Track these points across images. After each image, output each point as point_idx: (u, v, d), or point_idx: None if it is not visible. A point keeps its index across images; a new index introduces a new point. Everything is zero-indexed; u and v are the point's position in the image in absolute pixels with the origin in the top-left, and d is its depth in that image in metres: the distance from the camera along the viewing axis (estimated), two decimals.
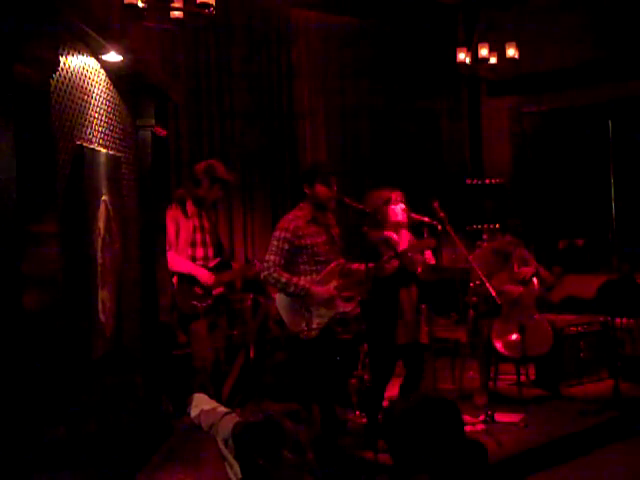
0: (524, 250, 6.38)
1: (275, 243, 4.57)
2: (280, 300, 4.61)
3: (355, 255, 4.85)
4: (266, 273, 4.54)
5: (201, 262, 5.01)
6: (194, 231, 5.02)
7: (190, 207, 5.04)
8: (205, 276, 4.93)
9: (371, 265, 4.55)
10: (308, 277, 4.56)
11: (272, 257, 4.53)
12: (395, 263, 4.73)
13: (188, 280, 4.88)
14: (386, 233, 4.82)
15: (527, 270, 5.87)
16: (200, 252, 5.03)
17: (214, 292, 4.99)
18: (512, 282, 5.76)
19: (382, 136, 8.25)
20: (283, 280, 4.50)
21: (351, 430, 5.02)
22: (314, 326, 4.49)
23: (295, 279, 4.51)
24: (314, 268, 4.60)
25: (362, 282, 4.73)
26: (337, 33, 7.88)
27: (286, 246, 4.54)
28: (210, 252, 5.09)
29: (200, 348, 4.86)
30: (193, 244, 5.01)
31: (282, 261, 4.52)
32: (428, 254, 4.98)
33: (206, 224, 5.12)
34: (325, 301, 4.52)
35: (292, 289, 4.49)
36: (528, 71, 7.97)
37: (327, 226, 4.73)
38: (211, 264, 5.05)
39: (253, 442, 2.26)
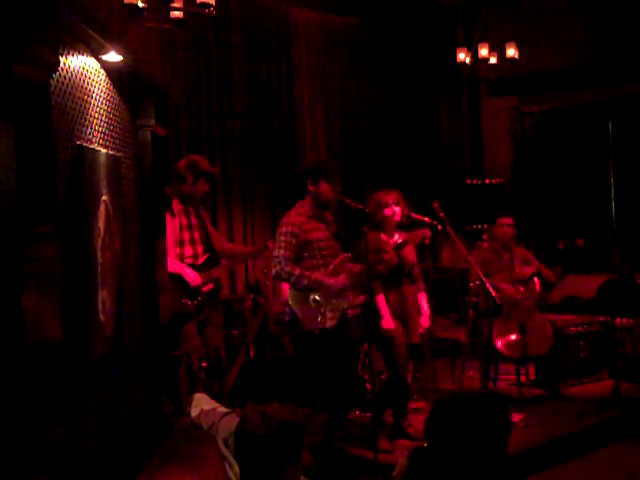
0: (525, 250, 6.38)
1: (283, 238, 4.57)
2: (292, 297, 4.61)
3: (354, 254, 4.86)
4: (278, 268, 4.54)
5: (190, 260, 4.97)
6: (181, 230, 4.98)
7: (176, 205, 5.01)
8: (191, 276, 4.90)
9: (363, 267, 4.59)
10: (317, 271, 4.58)
11: (282, 252, 4.54)
12: (394, 261, 4.75)
13: (177, 279, 4.86)
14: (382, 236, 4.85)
15: (527, 270, 5.86)
16: (189, 250, 5.00)
17: (204, 289, 4.97)
18: (513, 282, 5.75)
19: (382, 136, 8.25)
20: (296, 273, 4.50)
21: (351, 430, 5.02)
22: (329, 322, 4.50)
23: (307, 272, 4.52)
24: (321, 262, 4.62)
25: (362, 282, 4.76)
26: (337, 33, 7.88)
27: (294, 240, 4.55)
28: (199, 249, 5.04)
29: (192, 350, 4.84)
30: (181, 243, 4.97)
31: (292, 255, 4.53)
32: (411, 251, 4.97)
33: (194, 221, 5.07)
34: (338, 293, 4.53)
35: (305, 282, 4.50)
36: (528, 71, 7.97)
37: (327, 222, 4.75)
38: (200, 261, 5.02)
39: (261, 454, 2.26)
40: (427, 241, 4.93)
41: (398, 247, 4.83)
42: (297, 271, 4.50)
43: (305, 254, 4.59)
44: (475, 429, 2.17)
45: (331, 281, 4.54)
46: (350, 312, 5.03)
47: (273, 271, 4.60)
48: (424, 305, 5.01)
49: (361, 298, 4.77)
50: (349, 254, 4.73)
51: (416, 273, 5.03)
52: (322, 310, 4.50)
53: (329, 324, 4.49)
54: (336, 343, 4.56)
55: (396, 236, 4.97)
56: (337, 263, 4.62)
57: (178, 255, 4.93)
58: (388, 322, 4.73)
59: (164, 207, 4.71)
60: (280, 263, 4.52)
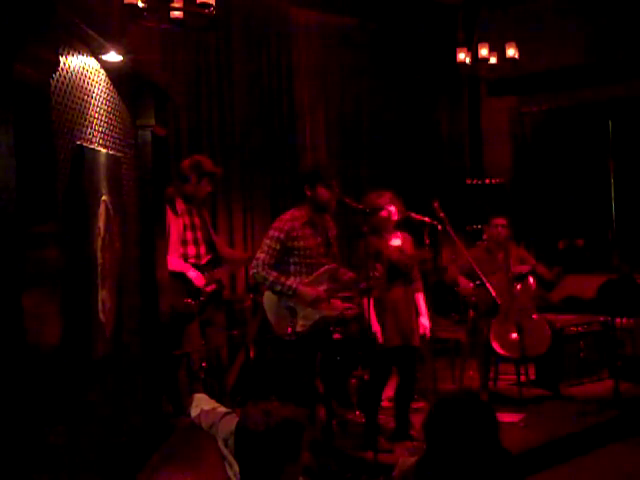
0: (523, 250, 6.37)
1: (267, 242, 4.57)
2: (267, 300, 4.61)
3: (353, 255, 4.86)
4: (254, 271, 4.56)
5: (193, 260, 4.98)
6: (184, 229, 4.99)
7: (180, 205, 5.02)
8: (195, 276, 4.90)
9: (354, 275, 4.59)
10: (298, 278, 4.55)
11: (262, 255, 4.54)
12: (383, 279, 4.76)
13: (181, 278, 4.86)
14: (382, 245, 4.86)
15: (522, 268, 5.86)
16: (192, 250, 5.01)
17: (207, 289, 4.98)
18: (508, 281, 5.75)
19: (382, 136, 8.24)
20: (271, 278, 4.50)
21: (351, 430, 5.02)
22: (298, 328, 4.48)
23: (283, 278, 4.51)
24: (305, 270, 4.60)
25: (350, 289, 4.76)
26: (337, 33, 7.87)
27: (278, 246, 4.54)
28: (202, 250, 5.06)
29: (194, 350, 4.85)
30: (184, 242, 4.98)
31: (272, 260, 4.53)
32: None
33: (197, 221, 5.09)
34: (312, 302, 4.50)
35: (279, 288, 4.49)
36: (528, 71, 7.96)
37: (324, 228, 4.72)
38: (203, 261, 5.03)
39: (261, 451, 2.26)
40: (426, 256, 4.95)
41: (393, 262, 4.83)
42: (271, 277, 4.50)
43: (290, 260, 4.58)
44: (462, 427, 2.18)
45: (306, 289, 4.51)
46: (350, 312, 5.03)
47: (250, 272, 4.62)
48: (422, 305, 5.01)
49: (336, 311, 4.75)
50: (335, 265, 4.71)
51: (415, 274, 5.02)
52: (294, 317, 4.49)
53: (298, 331, 4.47)
54: (307, 348, 4.54)
55: (397, 239, 4.96)
56: (320, 273, 4.60)
57: (181, 255, 4.94)
58: (374, 326, 4.73)
59: (164, 207, 4.71)
60: (257, 266, 4.53)
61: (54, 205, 2.81)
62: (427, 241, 4.91)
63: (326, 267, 4.63)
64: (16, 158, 2.50)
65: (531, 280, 5.88)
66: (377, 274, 4.66)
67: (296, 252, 4.57)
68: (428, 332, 5.00)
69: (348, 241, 5.37)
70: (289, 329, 4.45)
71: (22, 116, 2.54)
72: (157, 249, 4.38)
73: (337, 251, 4.82)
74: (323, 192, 4.59)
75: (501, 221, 5.94)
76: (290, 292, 4.47)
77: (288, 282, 4.49)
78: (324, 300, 4.57)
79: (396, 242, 4.93)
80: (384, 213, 4.85)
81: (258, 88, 7.17)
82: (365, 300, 4.69)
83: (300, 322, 4.49)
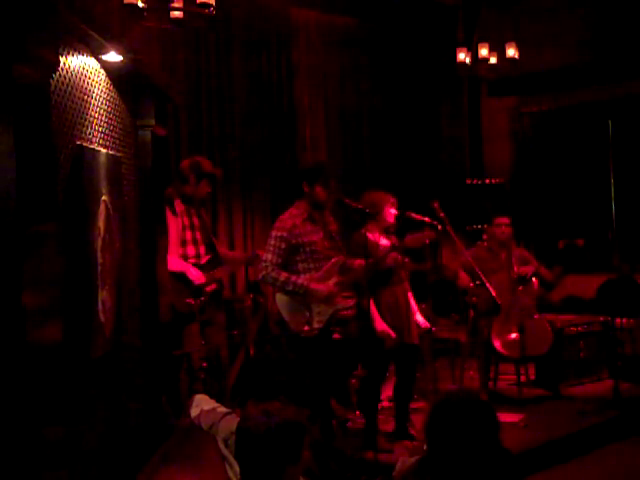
0: (524, 250, 6.37)
1: (272, 242, 4.58)
2: (280, 299, 4.61)
3: (352, 252, 4.86)
4: (264, 273, 4.55)
5: (193, 260, 4.99)
6: (184, 229, 5.00)
7: (179, 205, 5.03)
8: (195, 275, 4.91)
9: (371, 260, 4.57)
10: (307, 275, 4.56)
11: (270, 256, 4.55)
12: (394, 254, 4.78)
13: (181, 279, 4.87)
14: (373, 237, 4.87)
15: (527, 269, 5.86)
16: (191, 250, 5.02)
17: (207, 289, 4.99)
18: (511, 282, 5.75)
19: (382, 136, 8.24)
20: (281, 279, 4.51)
21: (351, 430, 5.02)
22: (315, 324, 4.49)
23: (293, 277, 4.51)
24: (312, 266, 4.60)
25: (360, 279, 4.76)
26: (337, 33, 7.87)
27: (283, 245, 4.54)
28: (202, 250, 5.07)
29: (194, 350, 4.85)
30: (184, 243, 4.99)
31: (280, 260, 4.53)
32: None
33: (196, 221, 5.10)
34: (325, 298, 4.52)
35: (291, 287, 4.50)
36: (528, 71, 7.96)
37: (324, 223, 4.74)
38: (203, 261, 5.04)
39: (261, 453, 2.27)
40: (427, 241, 4.94)
41: (396, 248, 4.84)
42: (282, 277, 4.50)
43: (297, 257, 4.59)
44: (463, 427, 2.18)
45: (318, 286, 4.52)
46: (349, 312, 5.03)
47: (260, 275, 4.62)
48: (413, 303, 5.04)
49: (351, 302, 4.76)
50: (342, 257, 4.72)
51: (403, 274, 5.04)
52: (309, 314, 4.49)
53: (314, 332, 4.48)
54: (325, 345, 4.55)
55: (383, 239, 4.96)
56: (328, 268, 4.61)
57: (181, 255, 4.95)
58: (380, 324, 4.74)
59: (164, 207, 4.72)
60: (266, 268, 4.53)
61: (54, 205, 2.81)
62: (427, 241, 4.92)
63: (333, 260, 4.64)
64: (16, 158, 2.50)
65: (534, 281, 5.88)
66: (393, 255, 4.74)
67: (302, 249, 4.58)
68: (428, 324, 5.03)
69: (346, 236, 5.37)
70: (306, 327, 4.46)
71: (22, 116, 2.54)
72: (157, 249, 4.38)
73: (342, 244, 4.83)
74: (320, 191, 4.61)
75: (504, 220, 5.96)
76: (302, 291, 4.48)
77: (299, 281, 4.50)
78: (336, 294, 4.59)
79: (384, 242, 4.94)
80: (389, 208, 4.88)
81: (258, 88, 7.17)
82: (366, 300, 4.71)
83: (316, 318, 4.51)
